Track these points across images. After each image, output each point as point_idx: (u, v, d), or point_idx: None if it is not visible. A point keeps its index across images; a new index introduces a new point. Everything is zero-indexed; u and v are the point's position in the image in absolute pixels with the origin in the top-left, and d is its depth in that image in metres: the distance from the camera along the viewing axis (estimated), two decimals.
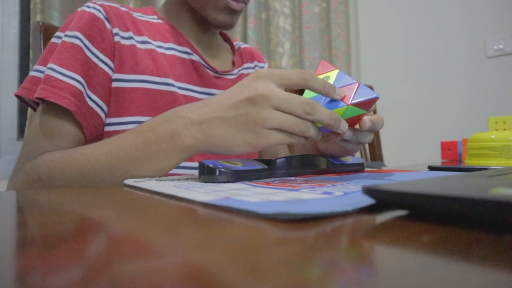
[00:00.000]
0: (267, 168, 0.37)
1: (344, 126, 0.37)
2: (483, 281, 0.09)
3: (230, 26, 0.61)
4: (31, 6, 1.15)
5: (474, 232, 0.14)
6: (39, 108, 0.50)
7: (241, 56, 0.74)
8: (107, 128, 0.53)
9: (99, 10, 0.54)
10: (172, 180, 0.37)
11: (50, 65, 0.49)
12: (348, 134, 0.40)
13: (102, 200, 0.25)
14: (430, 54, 1.75)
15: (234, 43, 0.75)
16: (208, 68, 0.63)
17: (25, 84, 0.51)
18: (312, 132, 0.37)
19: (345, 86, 0.39)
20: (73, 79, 0.48)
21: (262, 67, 0.77)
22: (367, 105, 0.38)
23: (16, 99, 1.23)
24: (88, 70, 0.50)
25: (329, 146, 0.48)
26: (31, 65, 1.21)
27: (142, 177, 0.40)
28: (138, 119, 0.54)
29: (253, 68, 0.75)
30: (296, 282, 0.09)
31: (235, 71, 0.69)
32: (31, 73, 0.52)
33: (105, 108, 0.53)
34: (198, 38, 0.65)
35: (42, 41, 0.64)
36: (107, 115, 0.54)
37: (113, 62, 0.54)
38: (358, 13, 2.06)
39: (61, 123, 0.48)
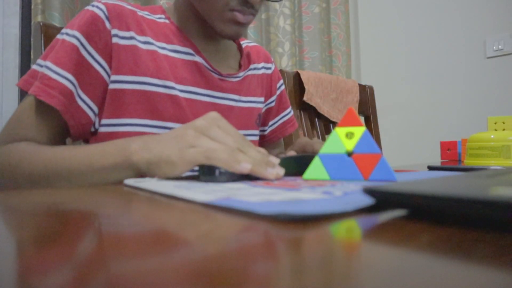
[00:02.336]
0: None
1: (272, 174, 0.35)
2: (483, 281, 0.09)
3: (237, 37, 0.60)
4: (32, 7, 1.15)
5: (474, 232, 0.14)
6: (30, 98, 0.51)
7: (248, 57, 0.72)
8: (104, 129, 0.54)
9: (101, 10, 0.54)
10: (172, 180, 0.37)
11: (46, 63, 0.50)
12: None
13: (102, 200, 0.25)
14: (429, 54, 1.75)
15: (241, 42, 0.73)
16: (211, 71, 0.62)
17: (26, 77, 0.53)
18: (244, 165, 0.34)
19: (366, 153, 0.34)
20: (65, 78, 0.50)
21: (270, 68, 0.77)
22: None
23: (16, 99, 1.23)
24: (81, 69, 0.51)
25: None
26: (32, 65, 1.21)
27: (91, 182, 0.42)
28: (136, 121, 0.54)
29: (260, 69, 0.74)
30: (295, 282, 0.09)
31: (241, 74, 0.68)
32: (33, 66, 0.53)
33: (95, 108, 0.54)
34: (206, 42, 0.64)
35: (43, 41, 0.64)
36: (104, 116, 0.54)
37: (108, 63, 0.54)
38: (358, 14, 2.06)
39: (46, 119, 0.51)
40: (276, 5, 1.72)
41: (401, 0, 1.87)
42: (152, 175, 0.39)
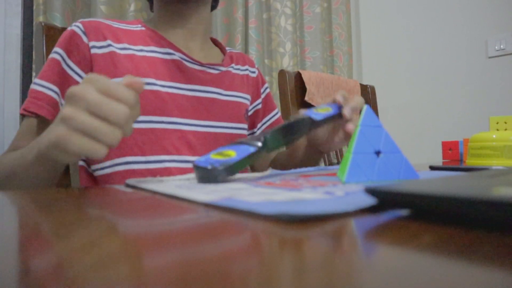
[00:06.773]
0: (260, 147, 0.36)
1: None
2: (484, 281, 0.09)
3: None
4: (34, 7, 1.16)
5: (475, 232, 0.14)
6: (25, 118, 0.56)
7: (231, 58, 0.75)
8: None
9: (78, 27, 0.59)
10: (174, 180, 0.37)
11: (35, 80, 0.57)
12: None
13: (103, 200, 0.25)
14: (431, 54, 1.75)
15: (226, 48, 0.77)
16: (192, 62, 0.65)
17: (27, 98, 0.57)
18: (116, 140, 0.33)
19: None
20: (50, 89, 0.55)
21: (254, 72, 0.80)
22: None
23: (18, 99, 1.24)
24: (63, 80, 0.56)
25: (333, 140, 0.56)
26: (33, 66, 1.22)
27: (35, 181, 0.44)
28: None
29: (244, 70, 0.77)
30: (297, 282, 0.09)
31: (222, 68, 0.70)
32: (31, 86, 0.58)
33: None
34: (186, 39, 0.67)
35: (44, 42, 0.64)
36: None
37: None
38: (359, 13, 2.06)
39: (36, 130, 0.55)
40: (278, 5, 1.72)
41: (403, 0, 1.86)
42: (56, 160, 0.36)
